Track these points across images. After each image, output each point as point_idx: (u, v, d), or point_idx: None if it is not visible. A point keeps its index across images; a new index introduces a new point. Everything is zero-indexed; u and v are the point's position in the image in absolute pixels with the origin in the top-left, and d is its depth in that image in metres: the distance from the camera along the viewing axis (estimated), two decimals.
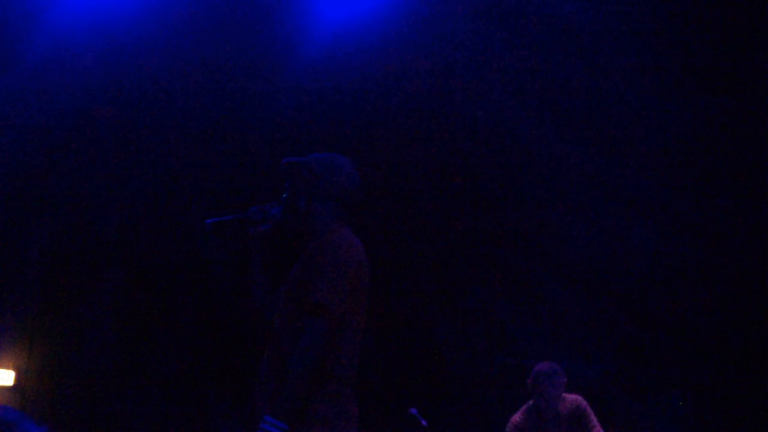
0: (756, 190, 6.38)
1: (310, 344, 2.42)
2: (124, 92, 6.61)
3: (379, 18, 5.95)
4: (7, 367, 7.08)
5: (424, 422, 4.65)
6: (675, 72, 6.09)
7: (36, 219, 7.31)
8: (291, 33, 6.16)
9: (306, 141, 6.83)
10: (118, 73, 6.38)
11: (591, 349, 6.86)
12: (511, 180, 7.10)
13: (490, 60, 6.23)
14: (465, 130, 6.80)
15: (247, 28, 6.19)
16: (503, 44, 6.04)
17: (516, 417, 4.66)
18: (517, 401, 4.81)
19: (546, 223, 7.02)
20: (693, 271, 6.66)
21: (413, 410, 4.72)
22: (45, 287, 7.43)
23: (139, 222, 7.38)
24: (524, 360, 7.14)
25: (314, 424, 2.42)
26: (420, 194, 7.28)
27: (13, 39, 6.07)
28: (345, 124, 6.72)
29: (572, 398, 4.57)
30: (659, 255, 6.72)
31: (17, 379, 7.12)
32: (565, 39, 5.96)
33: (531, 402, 4.63)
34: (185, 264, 7.48)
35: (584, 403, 4.55)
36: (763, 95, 6.00)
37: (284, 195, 2.85)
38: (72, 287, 7.44)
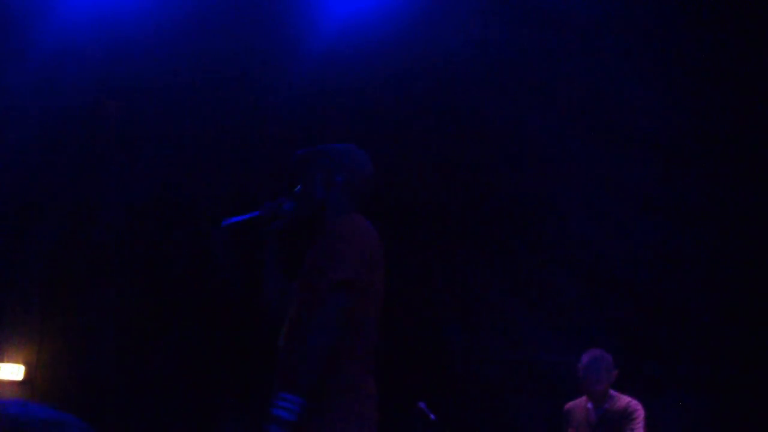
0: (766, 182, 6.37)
1: (328, 319, 2.38)
2: (131, 88, 6.62)
3: (386, 13, 5.94)
4: (17, 362, 7.13)
5: (432, 416, 4.66)
6: (682, 66, 6.07)
7: (43, 216, 7.33)
8: (297, 27, 6.15)
9: (312, 136, 6.82)
10: (125, 68, 6.38)
11: (602, 346, 6.85)
12: (521, 178, 7.09)
13: (499, 56, 6.22)
14: (474, 127, 6.79)
15: (253, 23, 6.19)
16: (512, 41, 6.03)
17: (569, 404, 4.67)
18: (527, 396, 4.82)
19: (557, 221, 7.02)
20: (704, 266, 6.64)
21: (422, 404, 4.74)
22: (53, 284, 7.45)
23: (146, 218, 7.39)
24: (534, 356, 7.15)
25: (330, 400, 2.40)
26: (429, 192, 7.28)
27: (20, 34, 6.08)
28: (352, 120, 6.72)
29: (628, 400, 4.50)
30: (671, 251, 6.70)
31: (27, 373, 7.16)
32: (574, 35, 5.94)
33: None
34: (192, 259, 7.50)
35: (639, 407, 4.46)
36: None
37: (298, 188, 2.83)
38: (79, 283, 7.47)
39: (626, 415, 4.43)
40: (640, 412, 4.44)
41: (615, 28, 5.90)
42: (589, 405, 4.55)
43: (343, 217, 2.67)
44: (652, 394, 6.66)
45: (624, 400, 4.50)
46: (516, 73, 6.35)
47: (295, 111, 6.74)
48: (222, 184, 7.20)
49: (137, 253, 7.47)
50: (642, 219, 6.70)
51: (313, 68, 6.30)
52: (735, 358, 6.58)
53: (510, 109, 6.44)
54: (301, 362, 2.33)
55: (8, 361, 7.10)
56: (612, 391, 4.54)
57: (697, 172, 6.47)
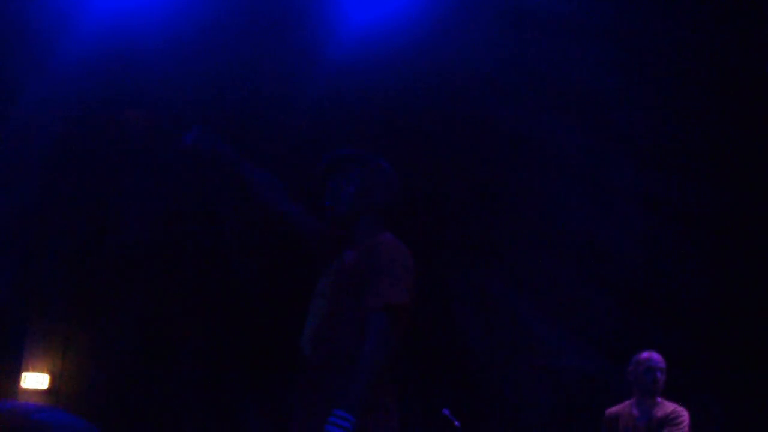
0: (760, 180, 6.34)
1: (382, 341, 2.46)
2: (152, 98, 6.66)
3: (403, 21, 5.96)
4: (42, 372, 7.19)
5: (456, 423, 4.68)
6: (672, 68, 6.08)
7: (66, 227, 7.39)
8: (316, 36, 6.18)
9: (332, 144, 6.83)
10: (146, 78, 6.43)
11: (620, 350, 6.84)
12: (536, 183, 7.09)
13: (511, 61, 6.23)
14: (489, 131, 6.79)
15: (272, 32, 6.22)
16: (524, 47, 6.04)
17: (612, 409, 4.54)
18: (550, 402, 4.81)
19: (575, 227, 7.01)
20: (728, 274, 6.60)
21: (446, 411, 4.76)
22: (77, 294, 7.51)
23: (168, 227, 7.43)
24: (554, 361, 7.14)
25: (377, 415, 2.49)
26: (447, 196, 7.29)
27: (41, 46, 6.14)
28: (370, 127, 6.74)
29: (674, 406, 4.40)
30: (692, 260, 6.66)
31: (51, 382, 7.22)
32: (581, 41, 5.96)
33: (633, 399, 4.49)
34: (213, 266, 7.53)
35: (684, 413, 4.36)
36: (758, 87, 5.97)
37: (330, 184, 2.86)
38: (103, 294, 7.52)
39: (669, 420, 4.32)
40: (684, 418, 4.34)
41: (612, 31, 5.90)
42: (635, 411, 4.44)
43: (384, 234, 2.72)
44: (673, 400, 6.66)
45: (670, 406, 4.40)
46: (529, 79, 6.35)
47: (313, 118, 6.77)
48: (240, 192, 7.20)
49: (160, 262, 7.52)
50: (660, 226, 6.68)
51: (332, 75, 6.32)
52: (755, 362, 6.54)
53: (529, 117, 6.45)
54: (354, 381, 2.40)
55: (33, 371, 7.16)
56: (658, 398, 4.45)
57: (709, 175, 6.46)
